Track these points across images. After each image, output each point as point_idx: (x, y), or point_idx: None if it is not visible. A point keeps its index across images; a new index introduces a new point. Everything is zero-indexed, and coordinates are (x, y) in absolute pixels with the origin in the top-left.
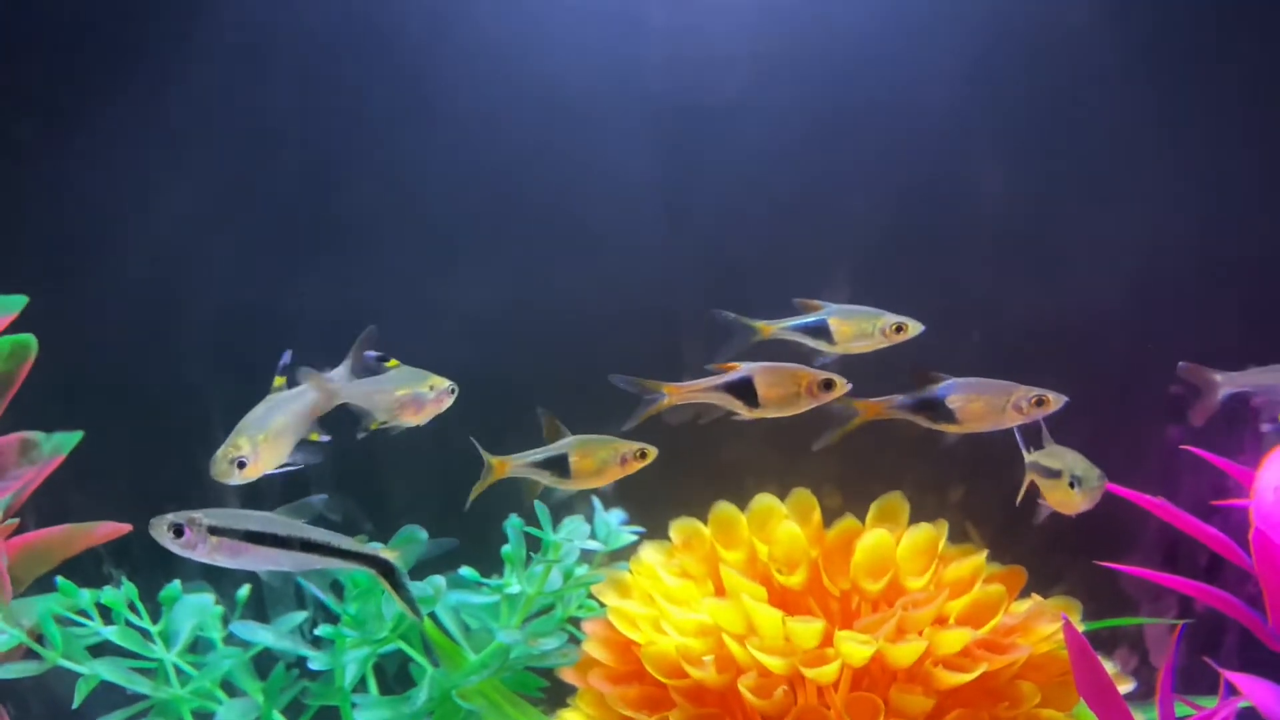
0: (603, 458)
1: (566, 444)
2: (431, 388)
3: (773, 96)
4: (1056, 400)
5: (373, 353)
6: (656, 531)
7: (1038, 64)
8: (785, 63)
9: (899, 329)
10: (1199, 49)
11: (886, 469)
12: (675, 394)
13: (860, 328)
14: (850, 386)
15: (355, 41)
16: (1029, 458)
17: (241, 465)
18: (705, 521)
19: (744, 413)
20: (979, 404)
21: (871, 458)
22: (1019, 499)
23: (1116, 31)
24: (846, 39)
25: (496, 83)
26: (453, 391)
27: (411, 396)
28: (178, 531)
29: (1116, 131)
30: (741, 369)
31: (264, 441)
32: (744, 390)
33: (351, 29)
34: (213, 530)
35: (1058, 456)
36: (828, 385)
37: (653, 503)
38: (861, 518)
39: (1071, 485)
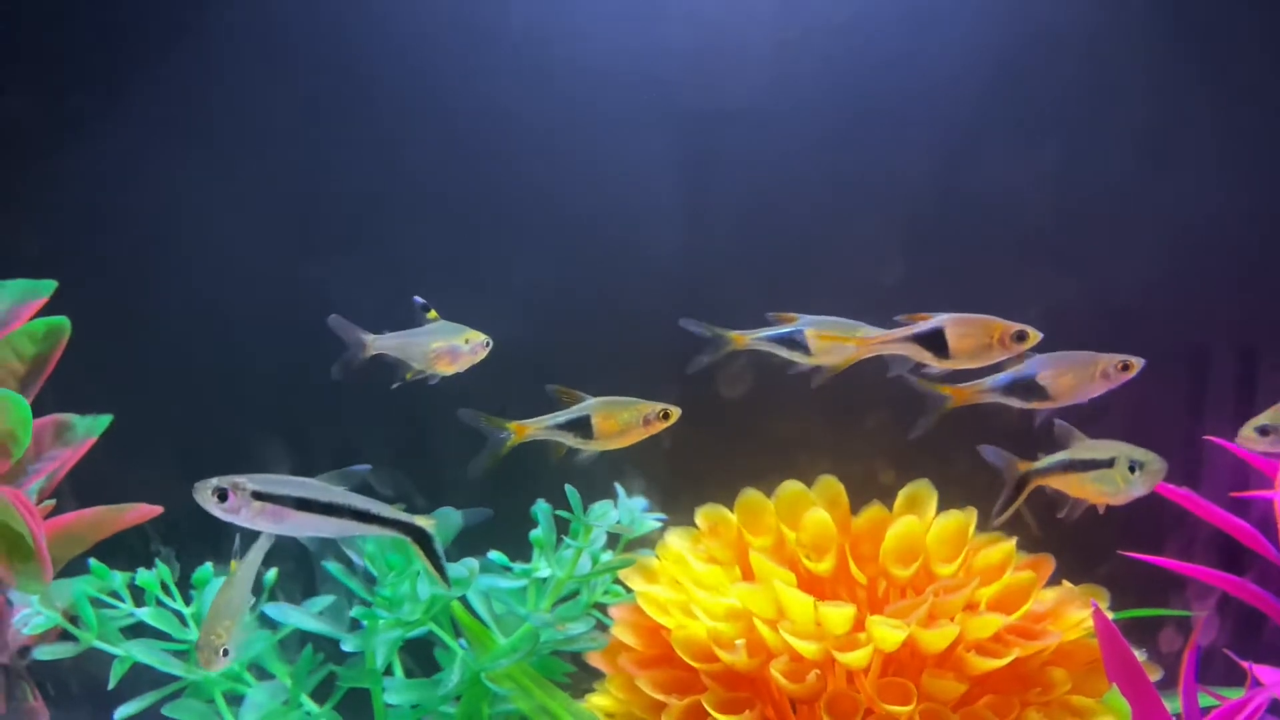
0: (625, 419)
1: (589, 405)
2: (467, 341)
3: (798, 86)
4: (1138, 364)
5: (420, 299)
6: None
7: (1066, 55)
8: (810, 55)
9: None
10: (1229, 38)
11: (934, 447)
12: (864, 346)
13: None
14: (1042, 336)
15: (390, 37)
16: (1055, 458)
17: (226, 653)
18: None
19: (933, 364)
20: (1069, 376)
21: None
22: (1001, 519)
23: (1143, 24)
24: (871, 32)
25: (520, 74)
26: (487, 345)
27: (447, 348)
28: (222, 496)
29: (1145, 122)
30: (933, 319)
31: (231, 625)
32: (934, 341)
33: (389, 25)
34: (256, 495)
35: (1102, 448)
36: (1020, 336)
37: (704, 477)
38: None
39: (1132, 469)
